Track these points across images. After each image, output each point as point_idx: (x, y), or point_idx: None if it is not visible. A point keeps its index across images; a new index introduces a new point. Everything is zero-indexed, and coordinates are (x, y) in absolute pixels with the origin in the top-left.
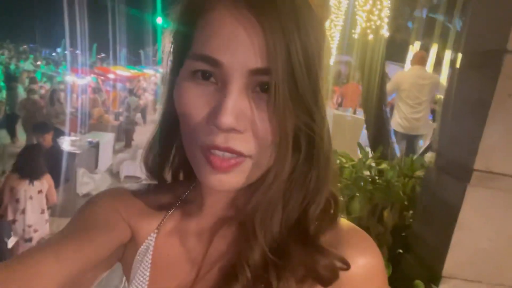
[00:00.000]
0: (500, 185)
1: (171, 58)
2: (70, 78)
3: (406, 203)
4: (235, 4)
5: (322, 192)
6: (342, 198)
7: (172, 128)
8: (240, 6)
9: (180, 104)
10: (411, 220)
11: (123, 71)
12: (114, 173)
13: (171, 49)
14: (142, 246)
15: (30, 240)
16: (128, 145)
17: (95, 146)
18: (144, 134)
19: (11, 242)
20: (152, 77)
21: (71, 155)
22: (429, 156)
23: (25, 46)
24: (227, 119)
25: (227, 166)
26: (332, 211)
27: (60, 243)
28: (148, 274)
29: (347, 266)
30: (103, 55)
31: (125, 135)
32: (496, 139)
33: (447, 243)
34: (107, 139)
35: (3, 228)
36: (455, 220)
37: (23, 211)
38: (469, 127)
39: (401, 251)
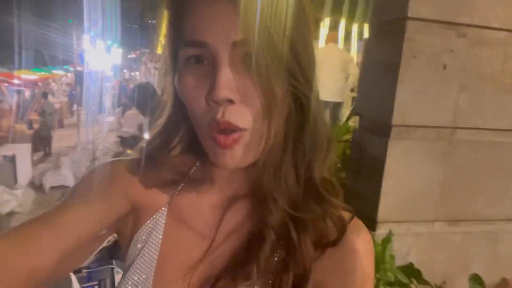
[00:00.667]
0: (416, 136)
1: (167, 52)
2: None
3: (339, 165)
4: None
5: (321, 148)
6: None
7: (179, 114)
8: None
9: (181, 90)
10: (345, 180)
11: (29, 75)
12: (37, 186)
13: (167, 43)
14: (149, 221)
15: None
16: (47, 154)
17: (11, 159)
18: (63, 139)
19: None
20: (63, 77)
21: None
22: (354, 121)
23: None
24: (221, 92)
25: (231, 142)
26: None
27: (57, 214)
28: (158, 248)
29: (352, 214)
30: None
31: (42, 143)
32: (407, 96)
33: (378, 192)
34: (23, 150)
35: None
36: (382, 171)
37: None
38: (384, 89)
39: None
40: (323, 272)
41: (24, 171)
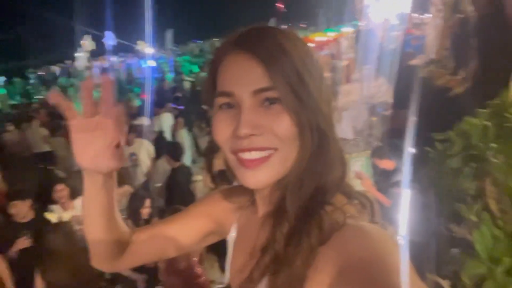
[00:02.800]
0: None
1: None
2: None
3: None
4: (236, 50)
5: (335, 170)
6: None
7: None
8: (240, 51)
9: (215, 130)
10: None
11: (321, 37)
12: None
13: (206, 94)
14: (229, 235)
15: None
16: None
17: None
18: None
19: None
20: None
21: None
22: None
23: None
24: (244, 129)
25: (256, 164)
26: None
27: (178, 221)
28: (230, 255)
29: (343, 216)
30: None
31: None
32: None
33: None
34: None
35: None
36: None
37: None
38: None
39: None
40: (323, 271)
41: None
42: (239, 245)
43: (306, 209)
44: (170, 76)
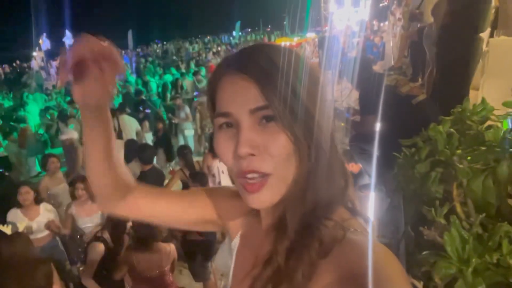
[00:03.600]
0: None
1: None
2: None
3: None
4: (230, 71)
5: (331, 183)
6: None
7: None
8: (234, 71)
9: (216, 149)
10: None
11: (288, 41)
12: None
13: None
14: (233, 241)
15: None
16: None
17: None
18: None
19: None
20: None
21: None
22: None
23: (209, 37)
24: (243, 149)
25: (257, 187)
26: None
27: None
28: (233, 262)
29: (343, 231)
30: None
31: None
32: None
33: None
34: None
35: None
36: None
37: (219, 184)
38: None
39: None
40: (322, 284)
41: None
42: (242, 254)
43: (306, 224)
44: (132, 77)
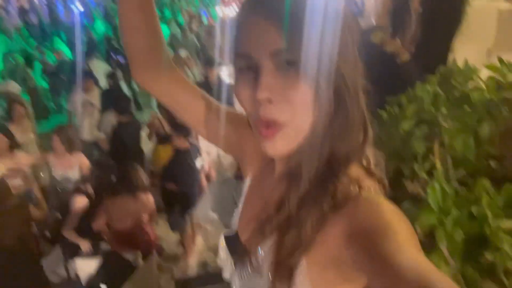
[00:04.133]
0: None
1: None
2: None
3: None
4: (252, 13)
5: (349, 136)
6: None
7: None
8: (259, 14)
9: (236, 93)
10: None
11: None
12: None
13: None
14: (246, 181)
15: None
16: None
17: None
18: None
19: (197, 165)
20: None
21: (231, 86)
22: None
23: None
24: (262, 93)
25: (271, 134)
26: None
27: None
28: (242, 203)
29: (358, 187)
30: None
31: None
32: None
33: None
34: None
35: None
36: None
37: (197, 137)
38: None
39: None
40: (331, 236)
41: None
42: (252, 198)
43: (321, 176)
44: (101, 23)
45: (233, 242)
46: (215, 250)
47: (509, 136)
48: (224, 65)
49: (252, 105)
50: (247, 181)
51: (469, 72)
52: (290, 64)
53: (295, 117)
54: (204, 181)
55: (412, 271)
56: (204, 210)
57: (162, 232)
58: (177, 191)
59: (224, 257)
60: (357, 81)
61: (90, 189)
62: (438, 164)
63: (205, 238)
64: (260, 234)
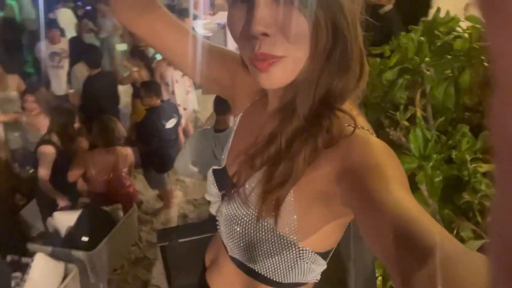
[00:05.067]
0: None
1: None
2: None
3: None
4: None
5: (352, 75)
6: (451, 74)
7: None
8: None
9: (229, 26)
10: None
11: None
12: None
13: None
14: (236, 118)
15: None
16: None
17: (223, 27)
18: None
19: (171, 123)
20: None
21: (205, 38)
22: None
23: None
24: (256, 26)
25: (266, 66)
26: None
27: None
28: (230, 141)
29: (354, 125)
30: None
31: None
32: None
33: None
34: None
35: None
36: None
37: (173, 93)
38: None
39: None
40: (322, 171)
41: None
42: (241, 134)
43: (317, 110)
44: None
45: (221, 176)
46: (194, 203)
47: (487, 85)
48: (199, 18)
49: (247, 40)
50: (237, 119)
51: (452, 22)
52: None
53: (292, 50)
54: (181, 137)
55: (396, 209)
56: (184, 164)
57: (141, 187)
58: (152, 150)
59: (211, 191)
60: (356, 14)
61: (54, 138)
62: (419, 113)
63: (184, 192)
64: (249, 167)
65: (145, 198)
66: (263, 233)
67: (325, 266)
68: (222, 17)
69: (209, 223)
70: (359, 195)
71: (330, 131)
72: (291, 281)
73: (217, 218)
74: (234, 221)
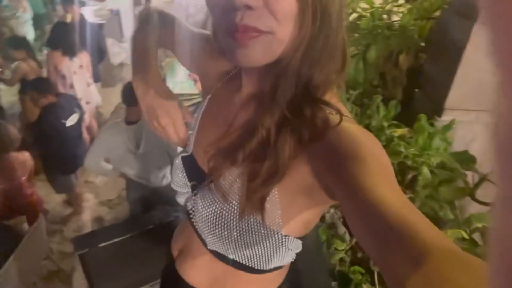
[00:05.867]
0: None
1: None
2: None
3: (422, 44)
4: None
5: (334, 61)
6: (358, 48)
7: None
8: None
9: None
10: (425, 60)
11: None
12: None
13: None
14: (204, 100)
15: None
16: (148, 2)
17: (117, 13)
18: None
19: (72, 120)
20: None
21: (98, 26)
22: None
23: None
24: None
25: (247, 40)
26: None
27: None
28: (197, 124)
29: (340, 116)
30: None
31: None
32: None
33: (451, 78)
34: (127, 4)
35: (69, 102)
36: (460, 57)
37: (71, 86)
38: None
39: (417, 90)
40: (308, 164)
41: (129, 25)
42: (211, 119)
43: (298, 100)
44: None
45: (189, 164)
46: (109, 205)
47: (390, 59)
48: (87, 4)
49: (225, 13)
50: (205, 102)
51: (353, 3)
52: None
53: (276, 28)
54: (85, 134)
55: (387, 205)
56: (96, 162)
57: (45, 194)
58: (53, 151)
59: (179, 181)
60: (344, 3)
61: None
62: (334, 89)
63: (95, 194)
64: (227, 160)
65: (51, 205)
66: (246, 226)
67: (301, 247)
68: (114, 2)
69: (130, 223)
70: (347, 189)
71: (314, 122)
72: (272, 267)
73: (188, 210)
74: (215, 216)
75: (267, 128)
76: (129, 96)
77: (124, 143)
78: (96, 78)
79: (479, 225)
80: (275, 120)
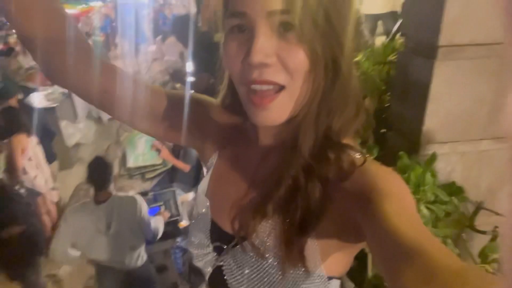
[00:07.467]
0: (464, 55)
1: (222, 23)
2: None
3: (383, 87)
4: None
5: (349, 109)
6: None
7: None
8: None
9: (225, 56)
10: (389, 102)
11: (69, 10)
12: (96, 118)
13: (222, 15)
14: (208, 162)
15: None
16: None
17: (69, 95)
18: None
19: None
20: (102, 8)
21: (51, 109)
22: (398, 39)
23: None
24: (256, 56)
25: (266, 102)
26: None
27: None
28: (207, 184)
29: (364, 157)
30: None
31: None
32: (457, 12)
33: (422, 115)
34: None
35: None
36: (427, 94)
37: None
38: (430, 6)
39: (384, 130)
40: (338, 204)
41: (82, 105)
42: (225, 178)
43: (322, 146)
44: None
45: (207, 225)
46: None
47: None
48: (36, 90)
49: (243, 69)
50: (213, 161)
51: None
52: (286, 27)
53: (292, 82)
54: (46, 219)
55: (409, 235)
56: (62, 248)
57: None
58: (19, 235)
59: (201, 243)
60: (354, 55)
61: None
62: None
63: (58, 286)
64: (257, 215)
65: None
66: (290, 278)
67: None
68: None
69: None
70: (375, 224)
71: (340, 164)
72: None
73: (207, 271)
74: (254, 276)
75: (294, 176)
76: (98, 174)
77: (94, 224)
78: (51, 158)
79: (496, 255)
80: (300, 167)
